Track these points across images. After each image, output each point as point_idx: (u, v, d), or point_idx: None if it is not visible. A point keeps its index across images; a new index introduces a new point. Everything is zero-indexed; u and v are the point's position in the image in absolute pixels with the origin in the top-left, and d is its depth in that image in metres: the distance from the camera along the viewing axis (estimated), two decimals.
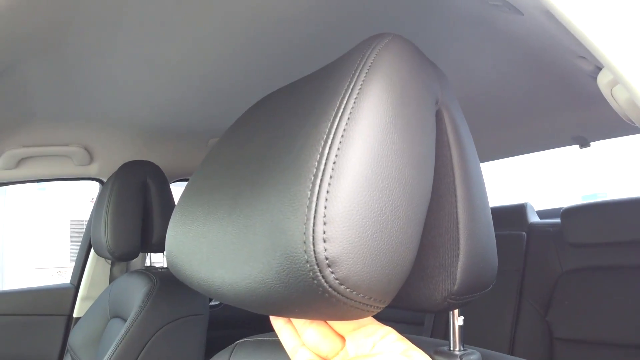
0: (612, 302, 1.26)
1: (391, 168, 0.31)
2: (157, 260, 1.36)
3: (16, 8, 0.69)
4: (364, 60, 0.34)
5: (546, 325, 1.35)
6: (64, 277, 3.08)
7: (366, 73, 0.33)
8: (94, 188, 1.50)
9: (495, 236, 0.43)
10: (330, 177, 0.29)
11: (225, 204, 0.40)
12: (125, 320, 1.14)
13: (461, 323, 0.43)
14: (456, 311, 0.43)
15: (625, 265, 1.28)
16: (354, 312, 0.31)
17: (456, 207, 0.38)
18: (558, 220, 1.42)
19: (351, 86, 0.32)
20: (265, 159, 0.37)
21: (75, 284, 1.55)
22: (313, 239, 0.28)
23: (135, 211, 1.14)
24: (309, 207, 0.29)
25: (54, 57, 0.92)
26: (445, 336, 0.44)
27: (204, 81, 1.11)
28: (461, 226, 0.38)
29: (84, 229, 1.64)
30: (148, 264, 1.33)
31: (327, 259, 0.28)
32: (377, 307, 0.32)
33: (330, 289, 0.29)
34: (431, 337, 1.24)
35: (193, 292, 1.12)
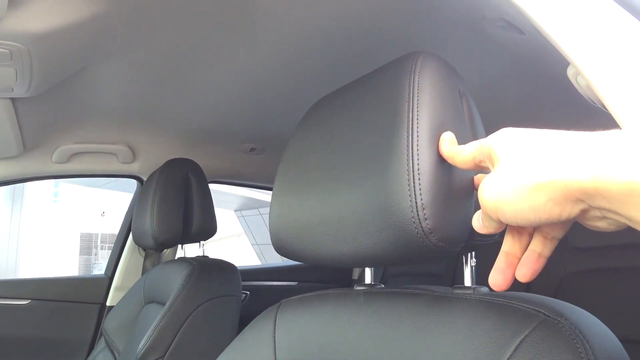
0: (615, 303, 1.32)
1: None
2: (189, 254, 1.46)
3: (94, 18, 0.83)
4: (412, 78, 0.47)
5: None
6: None
7: (417, 92, 0.46)
8: (103, 201, 1.60)
9: None
10: (418, 171, 0.43)
11: (327, 189, 0.52)
12: (161, 304, 1.24)
13: (474, 264, 0.54)
14: (470, 254, 0.54)
15: (627, 267, 1.34)
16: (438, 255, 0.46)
17: None
18: None
19: (412, 105, 0.45)
20: (355, 155, 0.50)
21: (110, 274, 1.66)
22: (418, 215, 0.42)
23: (178, 203, 1.26)
24: (410, 196, 0.42)
25: (116, 64, 1.06)
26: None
27: (246, 89, 1.24)
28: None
29: (92, 240, 1.76)
30: (179, 256, 1.44)
31: (429, 227, 0.42)
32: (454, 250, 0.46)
33: (431, 245, 0.43)
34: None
35: (228, 275, 1.23)
